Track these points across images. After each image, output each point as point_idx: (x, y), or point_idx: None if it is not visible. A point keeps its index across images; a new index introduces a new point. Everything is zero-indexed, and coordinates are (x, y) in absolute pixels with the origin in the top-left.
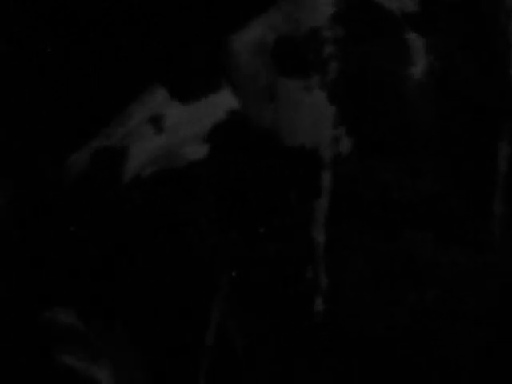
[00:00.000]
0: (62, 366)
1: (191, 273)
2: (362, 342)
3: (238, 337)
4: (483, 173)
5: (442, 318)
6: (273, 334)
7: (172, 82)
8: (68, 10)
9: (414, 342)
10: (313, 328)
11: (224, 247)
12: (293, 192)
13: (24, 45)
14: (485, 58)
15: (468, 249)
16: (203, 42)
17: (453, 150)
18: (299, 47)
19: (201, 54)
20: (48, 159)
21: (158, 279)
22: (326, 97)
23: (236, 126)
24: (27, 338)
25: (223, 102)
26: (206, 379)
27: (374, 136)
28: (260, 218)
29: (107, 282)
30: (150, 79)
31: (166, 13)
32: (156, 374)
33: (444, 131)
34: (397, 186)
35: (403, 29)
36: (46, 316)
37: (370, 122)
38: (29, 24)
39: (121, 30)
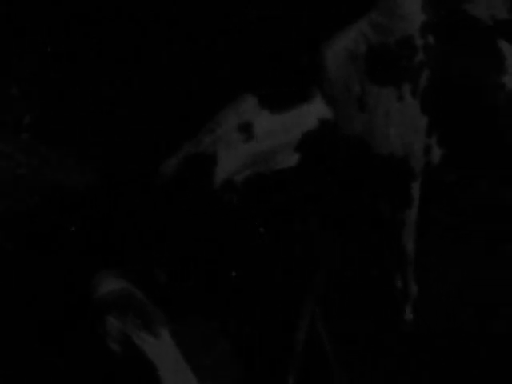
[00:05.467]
0: (114, 329)
1: (284, 272)
2: (450, 353)
3: (327, 339)
4: None
5: None
6: (362, 339)
7: (262, 92)
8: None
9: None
10: (401, 336)
11: (314, 250)
12: (383, 202)
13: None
14: None
15: None
16: (294, 51)
17: None
18: (391, 55)
19: (292, 63)
20: (142, 163)
21: (250, 276)
22: (418, 105)
23: (327, 134)
24: (77, 305)
25: (315, 111)
26: (295, 377)
27: (466, 146)
28: (349, 226)
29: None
30: (240, 88)
31: (257, 23)
32: (247, 366)
33: None
34: (491, 196)
35: (495, 37)
36: (96, 281)
37: (461, 131)
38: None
39: (215, 40)
